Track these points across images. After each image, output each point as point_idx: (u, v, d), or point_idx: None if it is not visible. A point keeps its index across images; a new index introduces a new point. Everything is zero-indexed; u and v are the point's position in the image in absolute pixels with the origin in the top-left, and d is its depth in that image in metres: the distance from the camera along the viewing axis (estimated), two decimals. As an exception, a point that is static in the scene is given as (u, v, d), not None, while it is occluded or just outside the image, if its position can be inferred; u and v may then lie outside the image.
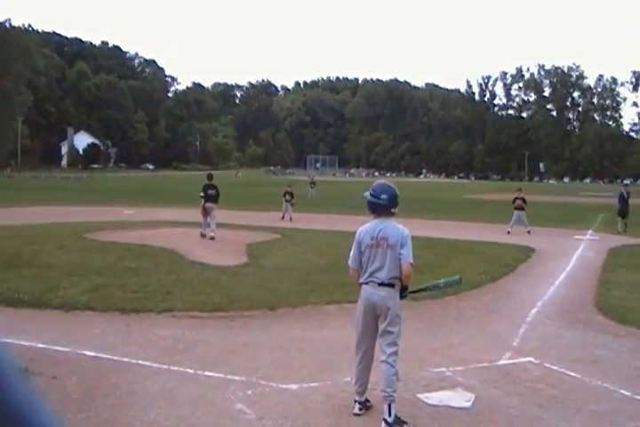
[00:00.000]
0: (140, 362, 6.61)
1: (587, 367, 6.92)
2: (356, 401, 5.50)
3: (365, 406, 5.50)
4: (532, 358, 7.30)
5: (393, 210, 5.44)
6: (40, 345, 6.92)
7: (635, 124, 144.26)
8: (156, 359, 6.69)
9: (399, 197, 5.52)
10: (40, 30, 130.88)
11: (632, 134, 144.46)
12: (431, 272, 11.79)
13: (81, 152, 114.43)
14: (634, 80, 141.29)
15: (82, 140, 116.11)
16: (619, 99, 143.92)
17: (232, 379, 6.18)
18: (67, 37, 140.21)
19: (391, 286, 5.32)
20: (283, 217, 24.56)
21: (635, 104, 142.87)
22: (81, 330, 7.88)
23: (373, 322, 5.41)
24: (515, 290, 11.60)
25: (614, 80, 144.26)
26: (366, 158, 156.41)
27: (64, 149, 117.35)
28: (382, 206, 5.41)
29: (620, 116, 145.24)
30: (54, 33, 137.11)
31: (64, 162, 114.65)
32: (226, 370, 6.42)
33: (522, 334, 8.43)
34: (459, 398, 5.91)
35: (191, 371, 6.39)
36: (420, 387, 6.10)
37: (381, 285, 5.32)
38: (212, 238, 16.93)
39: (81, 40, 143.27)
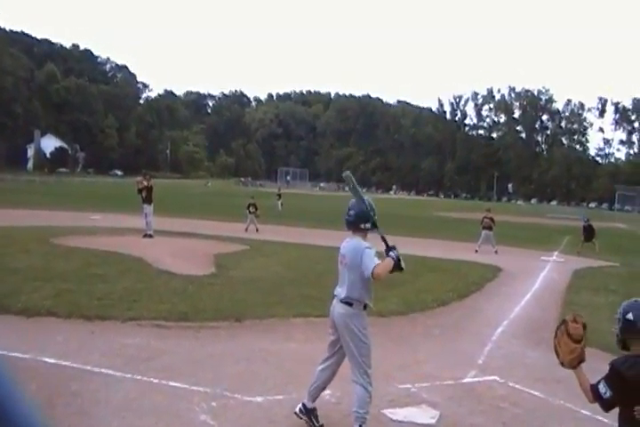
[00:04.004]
0: (103, 370, 6.50)
1: (550, 387, 6.99)
2: (302, 402, 5.51)
3: (309, 416, 5.44)
4: (496, 377, 7.35)
5: (362, 226, 5.33)
6: None
7: (600, 150, 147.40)
8: (120, 368, 6.59)
9: (373, 213, 5.38)
10: (8, 29, 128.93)
11: (598, 159, 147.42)
12: (399, 288, 11.85)
13: (48, 155, 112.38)
14: (600, 106, 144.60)
15: (49, 143, 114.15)
16: (585, 124, 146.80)
17: (197, 390, 6.11)
18: (36, 38, 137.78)
19: (348, 304, 5.24)
20: (246, 229, 24.47)
21: (601, 130, 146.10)
22: (42, 337, 7.73)
23: (338, 335, 5.38)
24: (481, 308, 11.69)
25: (582, 105, 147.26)
26: (337, 172, 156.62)
27: (30, 152, 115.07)
28: (349, 222, 5.40)
29: (587, 141, 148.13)
30: (23, 33, 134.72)
31: (30, 165, 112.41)
32: (191, 381, 6.34)
33: (487, 353, 8.49)
34: (423, 415, 5.92)
35: (155, 381, 6.30)
36: (385, 402, 6.10)
37: (341, 302, 5.30)
38: (151, 236, 19.04)
39: (51, 42, 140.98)
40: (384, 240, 5.30)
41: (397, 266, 5.13)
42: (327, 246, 17.77)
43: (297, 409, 5.50)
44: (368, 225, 5.35)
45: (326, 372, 5.50)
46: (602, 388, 3.32)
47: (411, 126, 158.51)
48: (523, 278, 15.92)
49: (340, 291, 5.33)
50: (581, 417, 6.09)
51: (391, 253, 5.15)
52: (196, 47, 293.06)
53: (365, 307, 5.33)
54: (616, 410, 3.41)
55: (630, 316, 3.36)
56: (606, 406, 3.38)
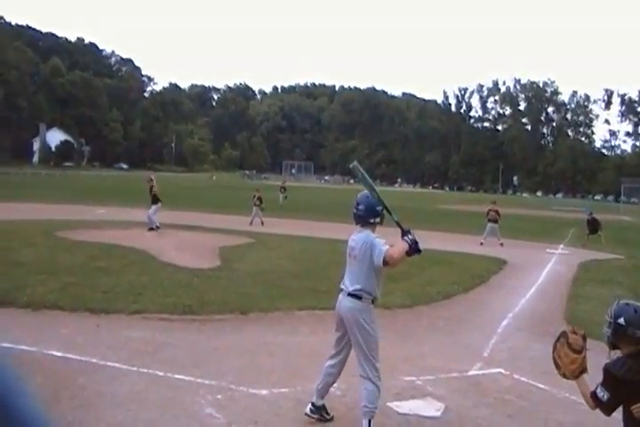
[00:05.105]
0: (108, 363, 6.52)
1: (555, 380, 6.91)
2: (311, 402, 5.49)
3: (320, 413, 5.43)
4: (501, 370, 7.34)
5: (372, 220, 5.28)
6: (4, 344, 6.77)
7: (606, 142, 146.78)
8: (126, 361, 6.61)
9: (382, 207, 5.32)
10: (13, 23, 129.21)
11: (603, 151, 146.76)
12: (404, 281, 11.85)
13: (53, 149, 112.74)
14: (606, 98, 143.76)
15: (54, 137, 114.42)
16: (591, 115, 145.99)
17: (202, 383, 6.12)
18: (41, 32, 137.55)
19: (357, 297, 5.18)
20: (251, 222, 24.41)
21: (607, 121, 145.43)
22: (48, 330, 7.75)
23: (344, 331, 5.34)
24: (486, 301, 11.67)
25: (587, 97, 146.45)
26: (342, 165, 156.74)
27: (36, 146, 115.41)
28: (359, 216, 5.35)
29: (593, 133, 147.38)
30: (28, 26, 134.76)
31: (35, 159, 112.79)
32: (196, 373, 6.35)
33: (492, 346, 8.48)
34: (429, 408, 5.92)
35: (161, 373, 6.32)
36: (391, 395, 6.09)
37: (349, 295, 5.23)
38: (152, 229, 19.17)
39: (56, 35, 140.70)
40: (399, 225, 5.18)
41: (416, 249, 4.99)
42: (332, 239, 17.78)
43: (307, 410, 5.43)
44: (378, 220, 5.31)
45: (335, 369, 5.45)
46: (599, 392, 3.39)
47: (416, 119, 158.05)
48: (528, 271, 15.89)
49: (349, 284, 5.27)
50: (584, 410, 5.98)
51: (405, 237, 5.01)
52: (201, 40, 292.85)
53: (374, 301, 5.28)
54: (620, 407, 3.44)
55: (622, 320, 3.38)
56: (606, 409, 3.45)
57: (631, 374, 3.32)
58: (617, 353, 3.50)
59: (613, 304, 3.54)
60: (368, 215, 5.30)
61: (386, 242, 5.14)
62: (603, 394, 3.35)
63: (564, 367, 3.64)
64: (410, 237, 5.00)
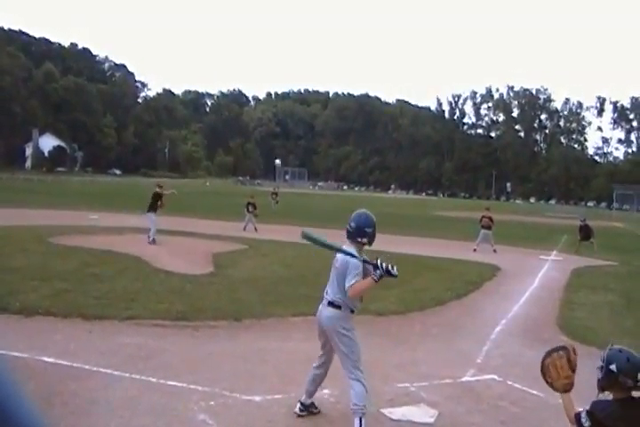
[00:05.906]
0: (101, 370, 6.49)
1: (548, 386, 6.98)
2: (299, 401, 5.70)
3: (309, 410, 5.67)
4: (495, 376, 7.35)
5: (359, 239, 5.44)
6: (-3, 351, 6.74)
7: (599, 149, 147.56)
8: (118, 367, 6.58)
9: (372, 229, 5.46)
10: (6, 28, 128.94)
11: (596, 158, 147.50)
12: (397, 287, 11.85)
13: (46, 154, 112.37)
14: (598, 105, 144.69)
15: (47, 142, 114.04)
16: (584, 123, 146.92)
17: (195, 389, 6.11)
18: (34, 37, 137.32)
19: (336, 306, 5.37)
20: (245, 228, 24.41)
21: (599, 129, 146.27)
22: (41, 336, 7.72)
23: (326, 337, 5.55)
24: (479, 308, 11.68)
25: (580, 104, 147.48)
26: (335, 172, 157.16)
27: (28, 151, 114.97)
28: (348, 233, 5.54)
29: (585, 140, 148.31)
30: (21, 32, 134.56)
31: (28, 164, 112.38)
32: (189, 380, 6.34)
33: (485, 352, 8.48)
34: (422, 414, 5.92)
35: (154, 380, 6.29)
36: (384, 402, 6.10)
37: (329, 304, 5.43)
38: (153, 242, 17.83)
39: (49, 40, 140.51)
40: (367, 262, 5.29)
41: (389, 274, 5.09)
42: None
43: (297, 410, 5.66)
44: (365, 240, 5.47)
45: (319, 370, 5.70)
46: (583, 417, 3.45)
47: (409, 125, 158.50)
48: (521, 277, 15.92)
49: (330, 292, 5.47)
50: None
51: (373, 274, 5.13)
52: (195, 46, 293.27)
53: (352, 311, 5.47)
54: None
55: (613, 367, 3.39)
56: None
57: (611, 420, 3.36)
58: (606, 393, 3.51)
59: (606, 349, 3.55)
60: (356, 234, 5.49)
61: (360, 266, 5.24)
62: (585, 421, 3.42)
63: (557, 379, 3.68)
64: (378, 272, 5.12)
